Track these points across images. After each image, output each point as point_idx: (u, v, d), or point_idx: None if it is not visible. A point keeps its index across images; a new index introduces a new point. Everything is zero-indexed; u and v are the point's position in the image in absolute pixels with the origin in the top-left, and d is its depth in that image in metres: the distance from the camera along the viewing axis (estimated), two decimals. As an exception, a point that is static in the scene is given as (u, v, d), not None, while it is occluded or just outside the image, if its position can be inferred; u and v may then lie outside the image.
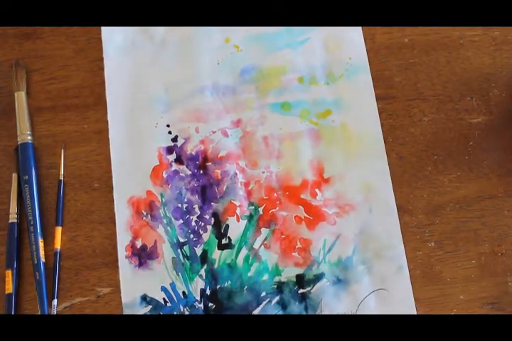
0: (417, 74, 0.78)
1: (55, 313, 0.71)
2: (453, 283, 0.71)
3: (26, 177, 0.75)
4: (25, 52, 0.80)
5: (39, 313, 0.71)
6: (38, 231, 0.73)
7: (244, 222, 0.73)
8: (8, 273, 0.72)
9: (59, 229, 0.74)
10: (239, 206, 0.74)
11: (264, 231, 0.73)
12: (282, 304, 0.71)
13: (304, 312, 0.70)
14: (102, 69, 0.79)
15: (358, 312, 0.70)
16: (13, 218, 0.74)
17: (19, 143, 0.76)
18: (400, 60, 0.78)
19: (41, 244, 0.73)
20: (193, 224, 0.73)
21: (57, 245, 0.73)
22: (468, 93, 0.77)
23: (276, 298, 0.71)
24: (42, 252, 0.72)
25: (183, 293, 0.71)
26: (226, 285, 0.71)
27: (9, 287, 0.71)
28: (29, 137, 0.76)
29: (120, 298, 0.71)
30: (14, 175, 0.76)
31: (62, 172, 0.76)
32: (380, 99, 0.77)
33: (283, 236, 0.73)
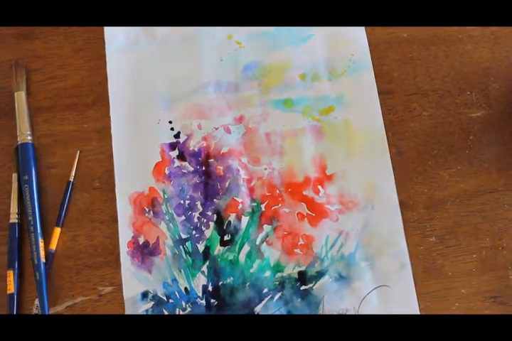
0: (416, 69, 0.78)
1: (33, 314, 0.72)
2: (454, 277, 0.71)
3: (26, 177, 0.74)
4: (24, 52, 0.80)
5: (40, 313, 0.71)
6: (38, 231, 0.73)
7: (246, 219, 0.73)
8: (10, 274, 0.72)
9: (57, 230, 0.74)
10: (241, 202, 0.74)
11: (267, 228, 0.73)
12: (284, 300, 0.71)
13: (306, 309, 0.70)
14: (101, 68, 0.79)
15: (361, 309, 0.70)
16: (13, 218, 0.74)
17: (19, 143, 0.76)
18: (399, 54, 0.79)
19: (41, 244, 0.73)
20: (196, 220, 0.73)
21: (53, 246, 0.73)
22: (468, 87, 0.77)
23: (279, 295, 0.71)
24: (42, 252, 0.72)
25: (185, 289, 0.71)
26: (228, 281, 0.71)
27: (11, 287, 0.71)
28: (29, 137, 0.76)
29: (122, 296, 0.71)
30: (14, 175, 0.76)
31: (74, 174, 0.76)
32: (379, 94, 0.77)
33: (285, 233, 0.73)
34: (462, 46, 0.79)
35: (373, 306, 0.70)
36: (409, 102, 0.77)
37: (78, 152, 0.76)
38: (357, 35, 0.79)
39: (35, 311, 0.71)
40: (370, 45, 0.79)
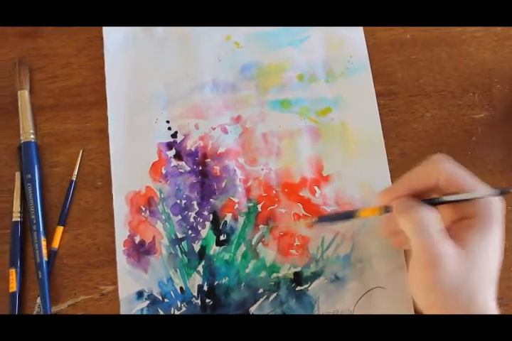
0: (419, 70, 0.78)
1: (34, 312, 0.72)
2: (456, 279, 0.70)
3: (29, 175, 0.75)
4: (27, 51, 0.81)
5: (41, 312, 0.71)
6: (41, 230, 0.73)
7: (242, 219, 0.73)
8: (12, 272, 0.72)
9: (60, 229, 0.74)
10: (237, 203, 0.73)
11: (263, 228, 0.73)
12: (279, 301, 0.70)
13: (301, 310, 0.70)
14: (104, 67, 0.79)
15: (356, 310, 0.70)
16: (16, 217, 0.74)
17: (22, 141, 0.76)
18: (402, 55, 0.78)
19: (44, 243, 0.73)
20: (192, 220, 0.73)
21: (56, 244, 0.74)
22: (471, 88, 0.77)
23: (274, 295, 0.70)
24: (44, 251, 0.73)
25: (181, 288, 0.71)
26: (223, 281, 0.71)
27: (13, 285, 0.72)
28: (32, 136, 0.76)
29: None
30: (17, 174, 0.76)
31: (76, 173, 0.76)
32: (382, 95, 0.77)
33: (281, 234, 0.72)
34: (465, 47, 0.78)
35: (369, 308, 0.70)
36: (412, 103, 0.77)
37: (81, 151, 0.77)
38: (355, 37, 0.79)
39: (37, 310, 0.72)
40: (372, 46, 0.78)
